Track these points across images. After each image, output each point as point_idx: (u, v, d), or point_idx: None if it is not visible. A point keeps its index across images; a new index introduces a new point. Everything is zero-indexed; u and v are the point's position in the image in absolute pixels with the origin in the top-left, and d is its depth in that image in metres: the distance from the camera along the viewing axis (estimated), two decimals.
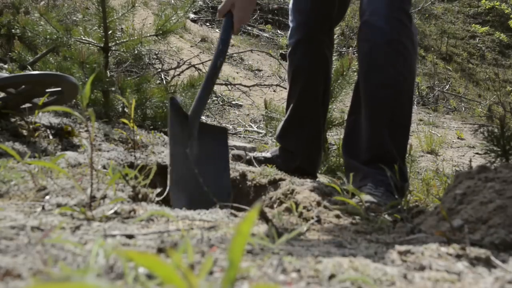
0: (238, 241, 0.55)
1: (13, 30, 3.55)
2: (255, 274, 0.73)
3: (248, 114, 5.42)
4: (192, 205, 1.36)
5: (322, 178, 2.31)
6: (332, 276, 0.73)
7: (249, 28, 8.72)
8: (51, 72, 2.64)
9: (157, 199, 1.38)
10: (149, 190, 1.37)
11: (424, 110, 7.73)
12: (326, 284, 0.71)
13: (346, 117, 2.15)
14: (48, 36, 3.05)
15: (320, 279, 0.73)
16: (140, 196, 1.32)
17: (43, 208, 1.08)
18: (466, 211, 1.09)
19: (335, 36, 2.36)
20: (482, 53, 10.64)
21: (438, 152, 5.13)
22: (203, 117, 4.45)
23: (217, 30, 8.32)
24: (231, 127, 4.71)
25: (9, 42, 4.26)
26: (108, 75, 2.98)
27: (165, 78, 5.30)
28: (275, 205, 1.69)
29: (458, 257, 0.87)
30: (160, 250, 0.83)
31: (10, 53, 3.87)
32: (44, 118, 2.20)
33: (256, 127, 4.80)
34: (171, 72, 5.43)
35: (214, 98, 5.34)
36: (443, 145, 5.47)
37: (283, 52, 7.56)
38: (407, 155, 1.99)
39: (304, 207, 1.44)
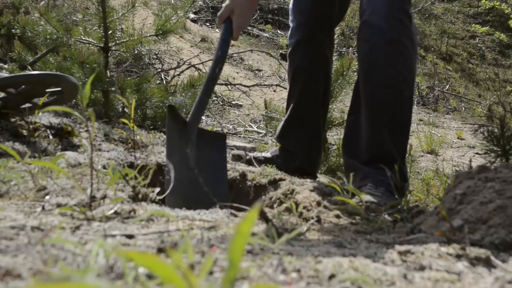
0: (238, 241, 0.55)
1: (13, 30, 3.56)
2: (255, 274, 0.73)
3: (248, 114, 5.42)
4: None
5: (322, 178, 2.31)
6: (332, 276, 0.73)
7: (249, 28, 8.72)
8: (51, 72, 2.64)
9: (158, 198, 1.38)
10: (149, 190, 1.37)
11: (424, 110, 7.73)
12: (326, 284, 0.71)
13: (346, 117, 2.15)
14: (48, 36, 3.05)
15: (320, 279, 0.73)
16: (140, 196, 1.32)
17: (43, 208, 1.08)
18: (466, 211, 1.09)
19: (335, 36, 2.36)
20: (482, 53, 10.65)
21: (438, 152, 5.14)
22: (203, 117, 4.46)
23: (217, 30, 8.32)
24: (231, 127, 4.71)
25: (9, 42, 4.27)
26: (108, 75, 2.98)
27: (165, 78, 5.31)
28: (275, 205, 1.69)
29: (458, 257, 0.87)
30: (160, 250, 0.83)
31: (10, 53, 3.87)
32: (44, 118, 2.20)
33: (256, 127, 4.80)
34: (171, 72, 5.44)
35: (214, 98, 5.35)
36: (443, 145, 5.47)
37: (283, 52, 7.57)
38: (407, 155, 1.99)
39: (304, 207, 1.44)
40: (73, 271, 0.67)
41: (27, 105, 2.05)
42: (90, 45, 3.05)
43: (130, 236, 0.91)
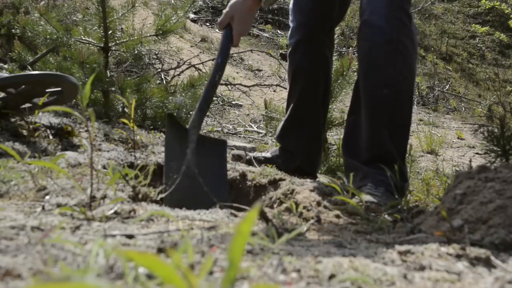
0: (238, 241, 0.55)
1: (13, 30, 3.55)
2: (255, 274, 0.73)
3: (248, 114, 5.42)
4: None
5: (322, 178, 2.31)
6: (332, 276, 0.73)
7: None
8: (51, 72, 2.64)
9: (158, 197, 1.38)
10: (149, 190, 1.37)
11: (424, 110, 7.73)
12: (326, 284, 0.71)
13: (346, 117, 2.15)
14: (48, 36, 3.05)
15: (320, 279, 0.73)
16: (140, 196, 1.32)
17: (43, 208, 1.08)
18: (466, 211, 1.09)
19: (335, 36, 2.36)
20: (482, 53, 10.65)
21: (438, 152, 5.13)
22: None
23: (217, 30, 8.32)
24: (231, 127, 4.71)
25: (9, 42, 4.27)
26: (108, 75, 2.98)
27: (165, 78, 5.31)
28: (275, 205, 1.69)
29: (458, 257, 0.87)
30: (160, 250, 0.83)
31: (10, 53, 3.87)
32: (44, 118, 2.20)
33: (256, 127, 4.80)
34: (171, 72, 5.44)
35: (214, 98, 5.34)
36: (443, 145, 5.47)
37: (283, 52, 7.57)
38: (407, 155, 1.99)
39: (304, 207, 1.44)
40: (73, 271, 0.67)
41: (27, 105, 2.05)
42: (90, 45, 3.05)
43: (130, 236, 0.91)
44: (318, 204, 1.47)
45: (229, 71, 6.69)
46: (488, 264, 0.86)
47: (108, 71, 3.02)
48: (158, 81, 4.84)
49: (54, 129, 2.13)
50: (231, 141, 3.15)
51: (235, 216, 1.23)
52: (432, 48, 10.30)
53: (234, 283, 0.55)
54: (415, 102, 7.52)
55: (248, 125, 4.90)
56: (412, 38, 1.89)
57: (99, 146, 2.09)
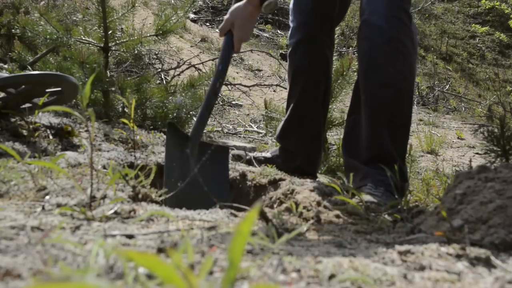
0: (238, 241, 0.55)
1: (13, 30, 3.56)
2: (255, 274, 0.73)
3: (248, 114, 5.42)
4: None
5: (322, 178, 2.31)
6: (332, 276, 0.73)
7: None
8: (51, 72, 2.64)
9: (159, 198, 1.38)
10: (151, 190, 1.37)
11: (424, 110, 7.73)
12: (326, 284, 0.71)
13: (346, 117, 2.15)
14: (48, 36, 3.05)
15: (320, 279, 0.73)
16: (140, 196, 1.32)
17: (43, 208, 1.08)
18: (466, 211, 1.09)
19: (335, 36, 2.36)
20: (482, 53, 10.65)
21: (438, 152, 5.13)
22: None
23: (217, 30, 8.32)
24: (231, 127, 4.71)
25: (9, 42, 4.27)
26: (108, 75, 2.98)
27: (165, 78, 5.31)
28: (275, 205, 1.69)
29: (458, 257, 0.87)
30: (160, 250, 0.83)
31: (10, 53, 3.87)
32: (44, 118, 2.20)
33: (256, 127, 4.80)
34: (171, 72, 5.44)
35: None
36: (443, 145, 5.47)
37: (283, 52, 7.57)
38: (407, 155, 1.99)
39: (304, 207, 1.44)
40: (73, 271, 0.67)
41: (27, 105, 2.05)
42: (90, 45, 3.05)
43: (130, 236, 0.91)
44: (318, 204, 1.47)
45: (229, 71, 6.66)
46: (488, 264, 0.86)
47: (108, 71, 3.02)
48: (158, 81, 4.84)
49: (54, 129, 2.13)
50: (231, 141, 3.15)
51: (235, 216, 1.23)
52: (432, 48, 10.30)
53: (234, 283, 0.55)
54: (415, 102, 7.51)
55: (248, 125, 4.90)
56: (412, 37, 1.89)
57: (99, 146, 2.09)
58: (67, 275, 0.65)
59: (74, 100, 2.52)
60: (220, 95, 5.66)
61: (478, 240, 0.99)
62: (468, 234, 0.99)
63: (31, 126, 1.99)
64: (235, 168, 2.05)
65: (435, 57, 9.90)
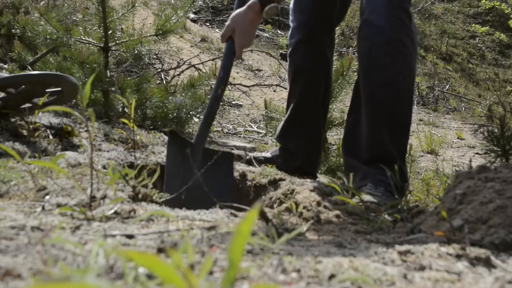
0: (238, 241, 0.55)
1: (13, 30, 3.55)
2: (255, 274, 0.73)
3: (248, 114, 5.42)
4: None
5: (322, 178, 2.31)
6: (332, 276, 0.73)
7: None
8: (51, 72, 2.64)
9: (159, 199, 1.38)
10: (151, 191, 1.37)
11: (424, 110, 7.73)
12: (326, 284, 0.71)
13: (346, 117, 2.15)
14: (48, 36, 3.05)
15: (320, 279, 0.73)
16: (140, 196, 1.32)
17: (43, 208, 1.08)
18: (466, 211, 1.09)
19: (335, 36, 2.36)
20: (482, 53, 10.64)
21: (438, 152, 5.13)
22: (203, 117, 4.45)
23: (217, 30, 8.32)
24: (231, 127, 4.71)
25: (9, 42, 4.26)
26: (108, 75, 2.98)
27: (165, 78, 5.30)
28: (275, 205, 1.69)
29: (458, 257, 0.87)
30: (160, 250, 0.83)
31: (10, 53, 3.87)
32: (44, 118, 2.20)
33: (256, 127, 4.80)
34: (171, 72, 5.44)
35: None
36: (443, 145, 5.47)
37: (283, 52, 7.56)
38: (407, 155, 1.99)
39: (304, 207, 1.44)
40: (73, 271, 0.67)
41: (27, 105, 2.05)
42: (90, 45, 3.05)
43: (130, 236, 0.91)
44: (318, 204, 1.47)
45: None
46: (488, 264, 0.86)
47: (108, 71, 3.02)
48: (158, 81, 4.84)
49: (54, 129, 2.13)
50: (231, 141, 3.15)
51: (235, 216, 1.23)
52: (432, 48, 10.30)
53: (234, 283, 0.55)
54: (415, 102, 7.51)
55: (248, 125, 4.90)
56: (412, 37, 1.90)
57: (99, 146, 2.09)
58: (67, 275, 0.65)
59: (74, 100, 2.52)
60: None
61: (478, 240, 0.99)
62: (468, 234, 0.99)
63: (31, 126, 1.99)
64: (235, 168, 2.05)
65: (435, 57, 9.90)
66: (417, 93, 8.07)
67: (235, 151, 2.42)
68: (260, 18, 1.91)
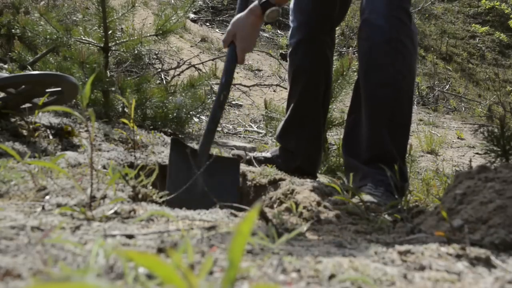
0: (238, 241, 0.55)
1: (13, 30, 3.55)
2: (255, 274, 0.73)
3: (248, 114, 5.42)
4: None
5: (322, 178, 2.31)
6: (332, 276, 0.73)
7: None
8: (51, 72, 2.64)
9: (159, 200, 1.38)
10: (151, 191, 1.37)
11: (424, 110, 7.73)
12: (326, 284, 0.71)
13: (346, 117, 2.16)
14: (48, 36, 3.05)
15: (320, 279, 0.73)
16: (140, 196, 1.32)
17: (43, 208, 1.08)
18: (466, 211, 1.09)
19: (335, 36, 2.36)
20: (482, 53, 10.64)
21: (438, 152, 5.13)
22: (203, 117, 4.45)
23: (217, 30, 8.32)
24: (231, 127, 4.71)
25: (9, 42, 4.26)
26: (108, 75, 2.98)
27: (165, 78, 5.30)
28: (275, 205, 1.69)
29: (458, 257, 0.87)
30: (160, 250, 0.83)
31: (10, 53, 3.87)
32: (44, 118, 2.20)
33: (256, 127, 4.80)
34: (171, 72, 5.44)
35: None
36: (443, 145, 5.47)
37: (283, 52, 7.56)
38: (407, 155, 1.99)
39: (304, 207, 1.44)
40: (73, 271, 0.67)
41: (27, 105, 2.05)
42: (90, 45, 3.05)
43: (130, 236, 0.91)
44: (318, 204, 1.47)
45: None
46: (488, 264, 0.86)
47: (108, 71, 3.02)
48: (158, 81, 4.84)
49: (54, 129, 2.13)
50: (231, 141, 3.15)
51: (235, 216, 1.23)
52: (432, 48, 10.30)
53: (234, 283, 0.55)
54: (415, 102, 7.51)
55: (248, 125, 4.90)
56: (412, 37, 1.90)
57: (99, 146, 2.09)
58: (67, 275, 0.65)
59: (74, 100, 2.52)
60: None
61: (478, 240, 0.99)
62: (468, 234, 0.99)
63: (31, 126, 1.99)
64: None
65: (435, 57, 9.90)
66: (417, 93, 8.07)
67: (235, 151, 2.42)
68: (261, 22, 1.89)
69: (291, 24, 2.26)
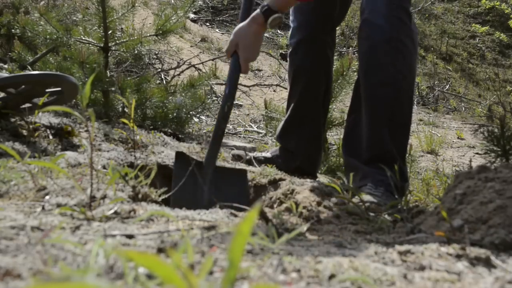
0: (238, 241, 0.55)
1: (13, 30, 3.55)
2: (255, 274, 0.73)
3: (248, 114, 5.42)
4: None
5: (322, 178, 2.31)
6: (332, 276, 0.73)
7: None
8: (51, 72, 2.64)
9: (159, 199, 1.38)
10: (150, 190, 1.37)
11: (424, 110, 7.73)
12: (326, 284, 0.71)
13: (346, 117, 2.15)
14: (48, 36, 3.05)
15: (320, 279, 0.73)
16: (140, 196, 1.32)
17: (43, 208, 1.08)
18: (466, 211, 1.09)
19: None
20: (482, 53, 10.64)
21: (438, 152, 5.13)
22: (202, 117, 4.45)
23: (217, 30, 8.32)
24: (231, 127, 4.71)
25: (9, 42, 4.27)
26: (108, 75, 2.98)
27: (165, 78, 5.30)
28: (275, 205, 1.69)
29: (458, 257, 0.87)
30: (160, 250, 0.83)
31: (10, 53, 3.87)
32: (44, 118, 2.20)
33: (256, 127, 4.80)
34: (171, 72, 5.44)
35: (214, 98, 5.34)
36: (443, 145, 5.47)
37: (283, 52, 7.56)
38: (407, 155, 1.99)
39: (304, 207, 1.44)
40: (73, 271, 0.67)
41: (27, 105, 2.05)
42: (90, 45, 3.05)
43: (130, 236, 0.91)
44: (318, 204, 1.47)
45: None
46: (488, 264, 0.86)
47: (108, 71, 3.02)
48: (158, 81, 4.84)
49: (54, 129, 2.13)
50: (231, 141, 3.15)
51: (235, 216, 1.23)
52: (432, 48, 10.30)
53: (234, 283, 0.55)
54: (415, 102, 7.51)
55: (248, 125, 4.90)
56: (412, 37, 1.90)
57: (99, 146, 2.09)
58: (67, 275, 0.65)
59: (74, 100, 2.52)
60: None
61: (478, 240, 0.99)
62: (468, 234, 0.99)
63: (31, 126, 1.99)
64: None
65: (435, 57, 9.90)
66: (417, 93, 8.07)
67: (235, 151, 2.42)
68: (264, 30, 1.84)
69: (291, 24, 2.26)
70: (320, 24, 2.18)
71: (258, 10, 1.79)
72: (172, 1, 7.85)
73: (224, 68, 5.99)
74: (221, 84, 5.60)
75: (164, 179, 1.83)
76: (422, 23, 10.84)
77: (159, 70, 5.44)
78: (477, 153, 5.15)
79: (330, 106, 2.82)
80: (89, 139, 1.10)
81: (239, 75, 1.84)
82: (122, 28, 3.61)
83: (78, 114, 1.05)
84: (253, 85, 5.73)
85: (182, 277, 0.53)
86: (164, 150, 2.18)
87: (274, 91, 6.26)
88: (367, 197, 1.63)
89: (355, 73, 2.88)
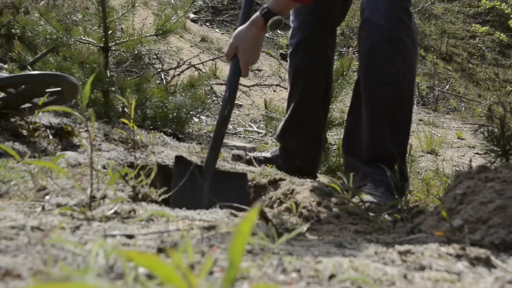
0: (238, 241, 0.55)
1: (13, 30, 3.55)
2: (255, 274, 0.73)
3: (248, 114, 5.41)
4: None
5: (322, 178, 2.31)
6: (332, 276, 0.73)
7: None
8: (51, 72, 2.64)
9: (159, 198, 1.38)
10: (150, 190, 1.37)
11: (424, 110, 7.73)
12: (326, 284, 0.71)
13: (346, 117, 2.15)
14: (48, 36, 3.05)
15: (320, 279, 0.73)
16: (140, 196, 1.32)
17: (43, 208, 1.08)
18: (466, 211, 1.09)
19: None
20: (482, 53, 10.64)
21: (438, 152, 5.13)
22: (203, 117, 4.45)
23: (217, 30, 8.32)
24: (231, 127, 4.71)
25: (9, 42, 4.26)
26: (108, 75, 2.98)
27: (165, 78, 5.30)
28: (275, 205, 1.69)
29: (458, 257, 0.87)
30: (160, 250, 0.83)
31: (10, 53, 3.87)
32: (44, 118, 2.20)
33: (256, 127, 4.79)
34: (171, 72, 5.43)
35: (214, 98, 5.34)
36: (443, 145, 5.47)
37: (283, 52, 7.56)
38: (407, 155, 1.99)
39: (304, 207, 1.44)
40: (73, 271, 0.67)
41: (27, 105, 2.05)
42: (90, 45, 3.05)
43: (130, 236, 0.91)
44: (318, 204, 1.47)
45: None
46: (488, 264, 0.86)
47: (108, 71, 3.02)
48: (158, 81, 4.84)
49: (54, 129, 2.13)
50: (231, 141, 3.15)
51: (235, 216, 1.23)
52: (432, 48, 10.30)
53: (234, 283, 0.55)
54: (415, 102, 7.50)
55: (248, 125, 4.90)
56: (412, 37, 1.89)
57: (99, 146, 2.09)
58: (67, 275, 0.65)
59: (74, 100, 2.52)
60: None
61: (478, 240, 0.99)
62: (468, 234, 0.99)
63: (31, 126, 1.99)
64: (235, 168, 2.05)
65: (435, 57, 9.90)
66: (417, 93, 8.07)
67: (235, 151, 2.42)
68: (264, 33, 1.83)
69: (291, 24, 2.26)
70: (320, 24, 2.18)
71: (257, 13, 1.78)
72: (172, 1, 7.85)
73: (224, 68, 5.99)
74: (221, 84, 5.60)
75: (164, 179, 1.83)
76: (422, 23, 10.83)
77: (159, 70, 5.44)
78: (477, 153, 5.15)
79: (330, 106, 2.82)
80: (89, 139, 1.10)
81: (239, 79, 1.83)
82: (122, 28, 3.61)
83: (78, 114, 1.05)
84: (253, 85, 5.73)
85: (182, 277, 0.53)
86: (164, 150, 2.18)
87: (274, 91, 6.26)
88: (367, 197, 1.63)
89: (355, 73, 2.88)
